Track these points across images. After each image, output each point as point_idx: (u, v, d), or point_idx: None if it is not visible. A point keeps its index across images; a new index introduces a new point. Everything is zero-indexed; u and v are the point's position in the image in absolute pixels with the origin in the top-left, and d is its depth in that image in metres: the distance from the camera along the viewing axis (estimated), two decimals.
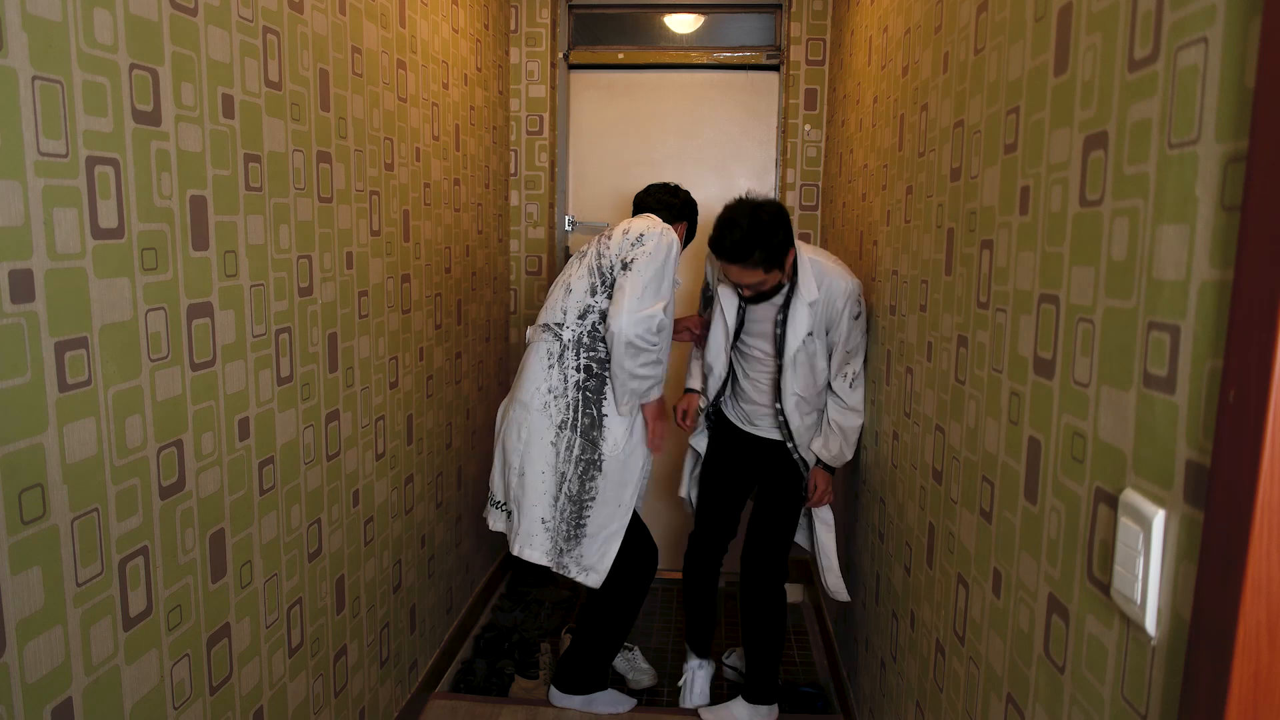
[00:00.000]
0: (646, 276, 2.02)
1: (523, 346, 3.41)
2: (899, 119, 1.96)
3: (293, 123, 1.55)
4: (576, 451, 2.10)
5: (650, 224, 2.12)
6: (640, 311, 1.99)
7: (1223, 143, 0.68)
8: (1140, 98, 0.82)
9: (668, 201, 2.29)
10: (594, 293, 2.10)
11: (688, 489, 2.57)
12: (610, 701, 2.35)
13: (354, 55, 1.82)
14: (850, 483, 2.47)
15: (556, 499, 2.11)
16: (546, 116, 3.32)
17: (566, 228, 3.45)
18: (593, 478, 2.11)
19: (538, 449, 2.11)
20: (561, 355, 2.12)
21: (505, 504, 2.20)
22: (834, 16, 3.16)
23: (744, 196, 2.12)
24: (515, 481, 2.14)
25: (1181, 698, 0.69)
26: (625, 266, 2.05)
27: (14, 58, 0.91)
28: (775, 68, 3.30)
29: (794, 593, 3.34)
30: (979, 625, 1.26)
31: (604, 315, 2.09)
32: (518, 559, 3.26)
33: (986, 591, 1.24)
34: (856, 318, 2.18)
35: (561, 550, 2.13)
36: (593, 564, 2.14)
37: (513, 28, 3.28)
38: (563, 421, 2.11)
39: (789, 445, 2.27)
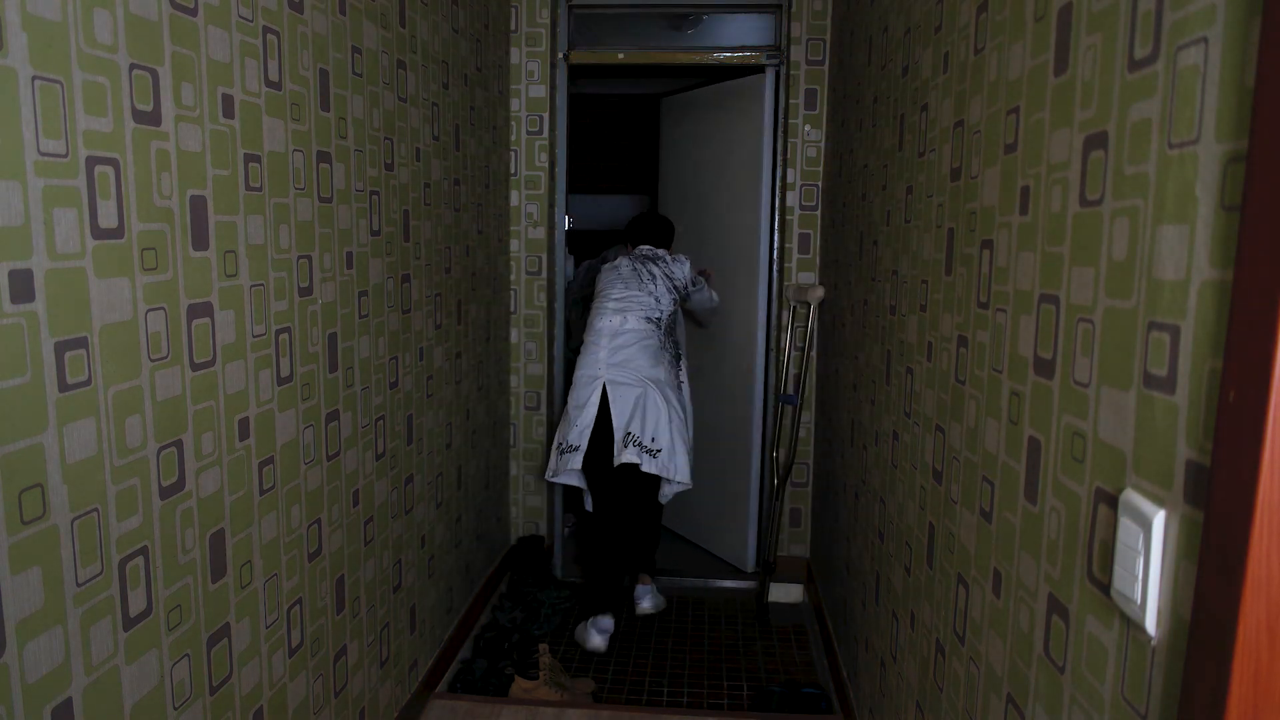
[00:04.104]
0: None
1: (522, 347, 3.42)
2: (899, 119, 1.96)
3: (293, 123, 1.55)
4: (676, 402, 3.01)
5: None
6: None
7: (1223, 143, 0.68)
8: (1140, 98, 0.82)
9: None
10: (676, 302, 3.14)
11: None
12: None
13: (354, 55, 1.82)
14: (850, 483, 2.47)
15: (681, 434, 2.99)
16: (546, 116, 3.32)
17: (566, 227, 3.45)
18: (683, 418, 3.03)
19: (673, 404, 3.00)
20: (663, 343, 3.05)
21: (652, 445, 2.91)
22: (834, 16, 3.16)
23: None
24: (663, 427, 2.91)
25: (1181, 698, 0.69)
26: (695, 283, 3.21)
27: (14, 58, 0.91)
28: (775, 68, 3.30)
29: (794, 593, 3.34)
30: (979, 625, 1.26)
31: (673, 316, 3.16)
32: (517, 559, 3.39)
33: (986, 591, 1.24)
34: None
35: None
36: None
37: (513, 28, 3.28)
38: (674, 383, 3.07)
39: None
